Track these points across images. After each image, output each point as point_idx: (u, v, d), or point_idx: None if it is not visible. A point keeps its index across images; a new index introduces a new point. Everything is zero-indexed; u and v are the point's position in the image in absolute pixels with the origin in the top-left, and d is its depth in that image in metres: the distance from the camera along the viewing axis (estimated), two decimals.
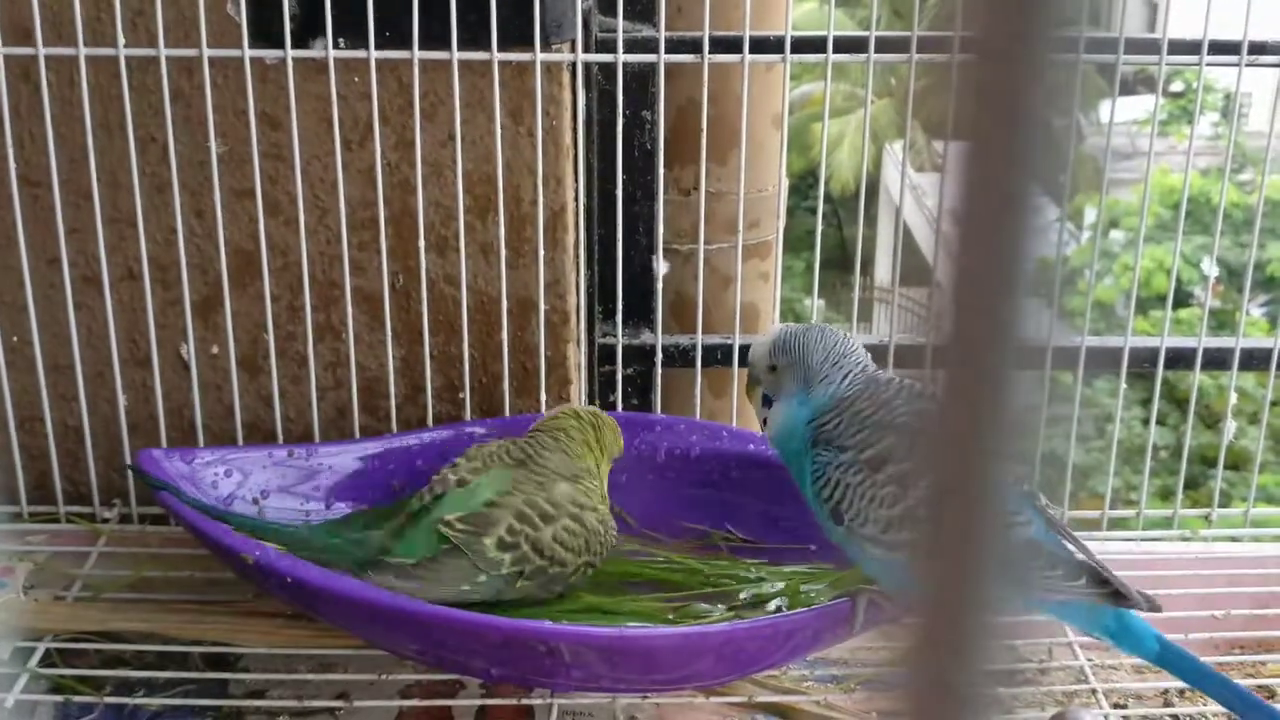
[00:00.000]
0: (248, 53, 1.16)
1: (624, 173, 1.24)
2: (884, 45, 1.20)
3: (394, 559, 1.03)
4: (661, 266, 1.28)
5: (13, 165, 1.19)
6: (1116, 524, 1.32)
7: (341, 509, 1.16)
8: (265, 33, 1.16)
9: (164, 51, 1.16)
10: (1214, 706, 1.08)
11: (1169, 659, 0.99)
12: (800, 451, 1.02)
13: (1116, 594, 0.95)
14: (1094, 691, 1.10)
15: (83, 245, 1.22)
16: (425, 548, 1.04)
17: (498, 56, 1.17)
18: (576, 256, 1.26)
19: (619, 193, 1.26)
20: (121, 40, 1.16)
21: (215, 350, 1.25)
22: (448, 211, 1.22)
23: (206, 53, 1.16)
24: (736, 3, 1.19)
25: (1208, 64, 1.21)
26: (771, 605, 1.09)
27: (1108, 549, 1.23)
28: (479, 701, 1.11)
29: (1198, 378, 1.34)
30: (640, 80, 1.24)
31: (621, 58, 1.20)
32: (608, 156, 1.25)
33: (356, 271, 1.23)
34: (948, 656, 0.32)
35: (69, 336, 1.23)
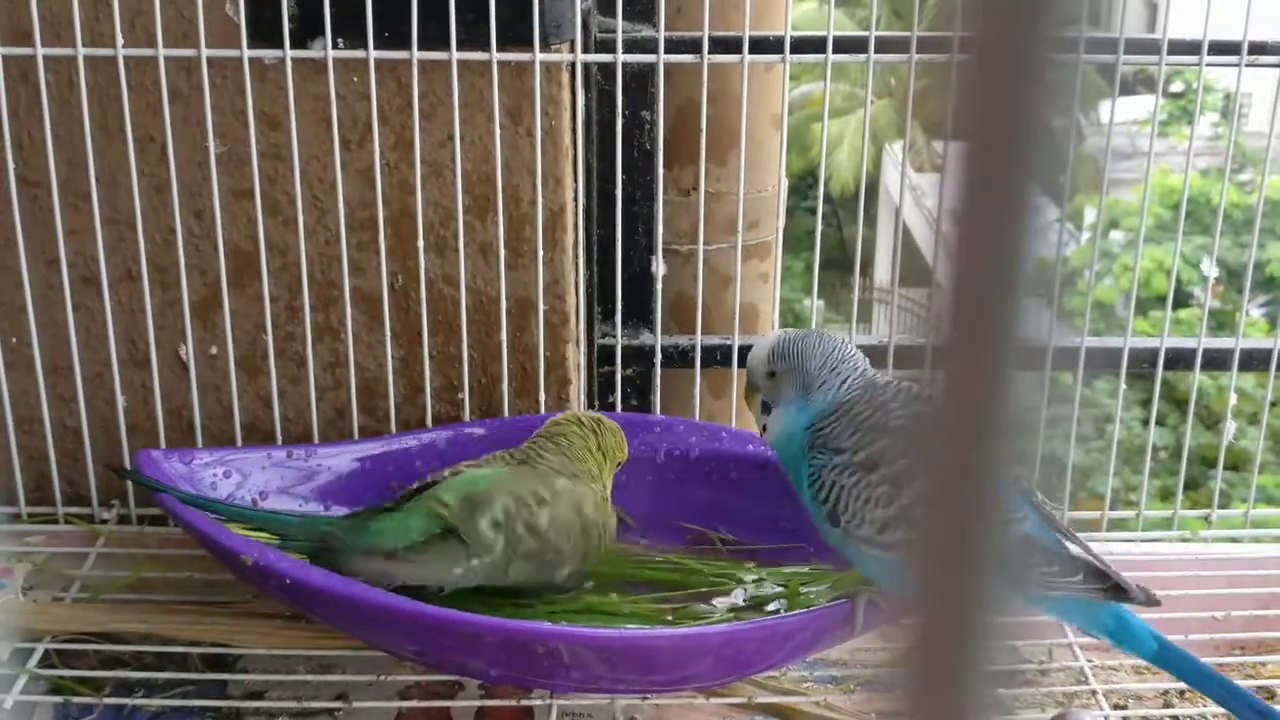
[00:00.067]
0: (246, 53, 1.16)
1: (623, 173, 1.24)
2: (884, 45, 1.20)
3: (386, 544, 1.03)
4: (660, 267, 1.28)
5: (11, 166, 1.19)
6: (1116, 525, 1.32)
7: (340, 510, 1.16)
8: (264, 33, 1.16)
9: (163, 52, 1.16)
10: (1214, 708, 1.08)
11: (1167, 658, 0.99)
12: (798, 455, 1.02)
13: (1115, 588, 0.95)
14: (1094, 692, 1.10)
15: (81, 246, 1.22)
16: (418, 531, 1.03)
17: (497, 57, 1.17)
18: (576, 257, 1.26)
19: (618, 193, 1.26)
20: (120, 40, 1.16)
21: (214, 351, 1.25)
22: (447, 212, 1.22)
23: (205, 53, 1.16)
24: (736, 3, 1.19)
25: (1208, 64, 1.21)
26: (770, 606, 1.09)
27: (1108, 550, 1.23)
28: (478, 702, 1.11)
29: (1197, 378, 1.34)
30: (640, 80, 1.24)
31: (621, 58, 1.20)
32: (607, 157, 1.25)
33: (355, 272, 1.23)
34: (947, 657, 0.32)
35: (68, 337, 1.23)
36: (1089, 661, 1.13)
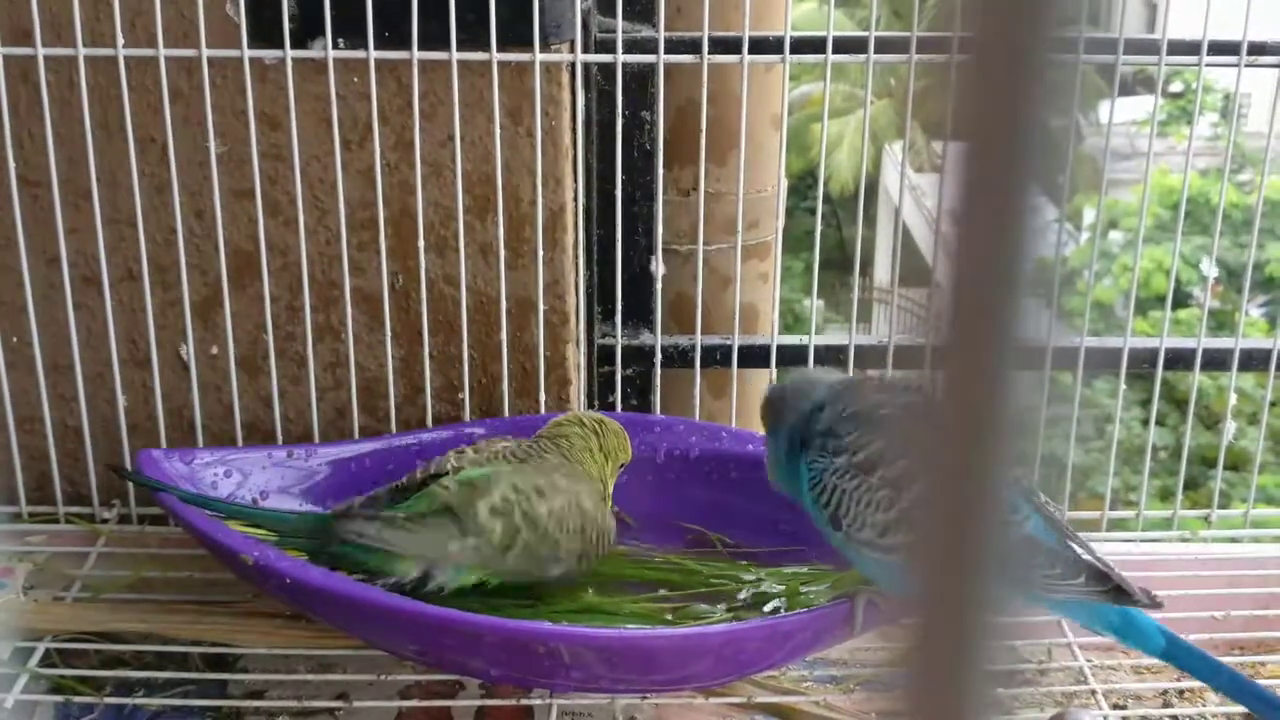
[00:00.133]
0: (247, 53, 1.16)
1: (623, 173, 1.24)
2: (884, 45, 1.20)
3: (385, 511, 1.03)
4: (660, 267, 1.28)
5: (12, 165, 1.19)
6: (1116, 525, 1.32)
7: None
8: (264, 33, 1.16)
9: (163, 52, 1.16)
10: (1214, 708, 1.08)
11: (1176, 654, 0.99)
12: (792, 473, 1.02)
13: (1118, 591, 0.95)
14: (1093, 692, 1.10)
15: (82, 245, 1.22)
16: (418, 508, 1.04)
17: (497, 57, 1.17)
18: (576, 257, 1.26)
19: (618, 193, 1.26)
20: (120, 40, 1.16)
21: (215, 351, 1.25)
22: (447, 212, 1.22)
23: (206, 53, 1.16)
24: (736, 3, 1.19)
25: (1207, 64, 1.21)
26: (770, 606, 1.09)
27: (1107, 550, 1.23)
28: (478, 702, 1.11)
29: (1197, 378, 1.34)
30: (639, 81, 1.24)
31: (621, 58, 1.20)
32: (607, 157, 1.25)
33: (356, 272, 1.23)
34: (947, 657, 0.32)
35: (68, 337, 1.23)
36: (1088, 661, 1.13)
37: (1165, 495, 3.64)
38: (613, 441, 1.12)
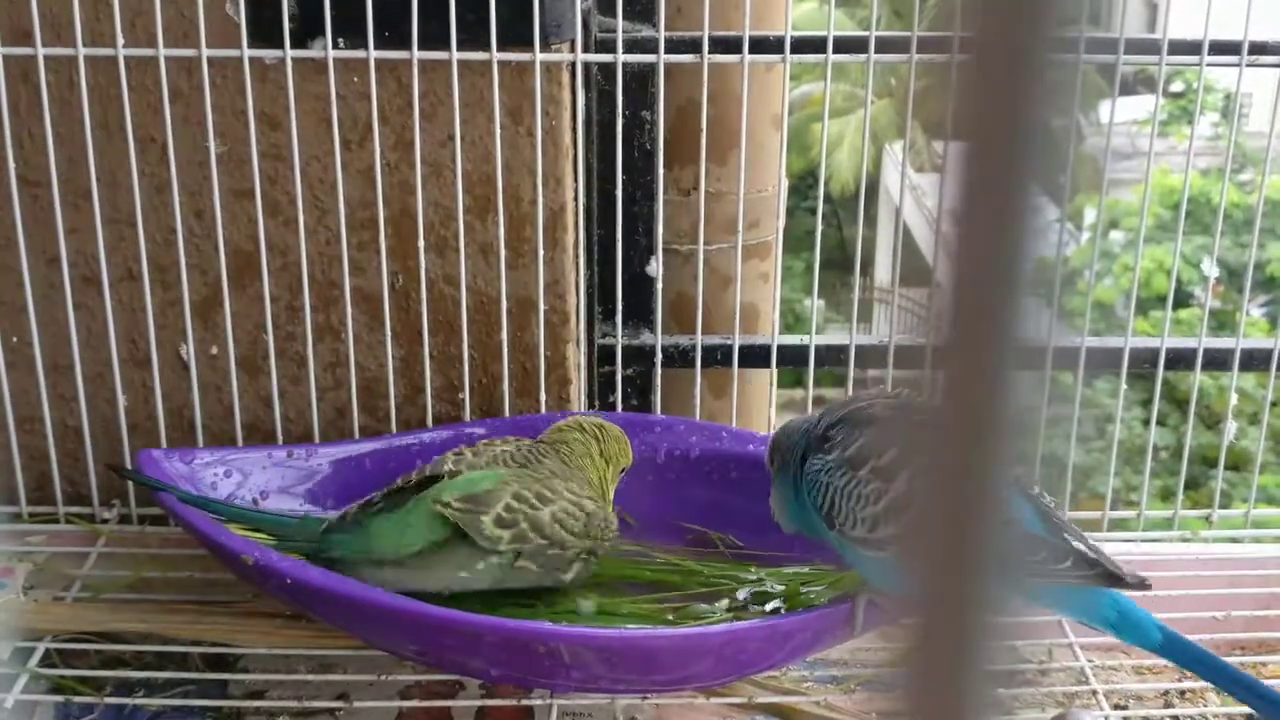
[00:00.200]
0: (247, 53, 1.16)
1: (623, 173, 1.24)
2: (884, 45, 1.20)
3: (390, 553, 1.03)
4: (660, 267, 1.28)
5: (12, 165, 1.19)
6: (1117, 525, 1.32)
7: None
8: (264, 33, 1.16)
9: (163, 51, 1.16)
10: (1215, 708, 1.08)
11: (1173, 650, 0.98)
12: (802, 505, 1.02)
13: (1107, 575, 0.94)
14: (1094, 692, 1.10)
15: (82, 245, 1.22)
16: (420, 536, 1.03)
17: (497, 57, 1.17)
18: (576, 257, 1.26)
19: (619, 193, 1.26)
20: (120, 40, 1.16)
21: (215, 351, 1.25)
22: (447, 212, 1.22)
23: (205, 53, 1.16)
24: (736, 3, 1.19)
25: (1208, 64, 1.21)
26: (770, 606, 1.09)
27: (1108, 550, 1.23)
28: (479, 702, 1.11)
29: (1198, 378, 1.34)
30: (640, 80, 1.24)
31: (621, 58, 1.20)
32: (607, 157, 1.25)
33: (356, 272, 1.23)
34: (947, 657, 0.32)
35: (68, 337, 1.23)
36: (1089, 661, 1.13)
37: (1166, 495, 3.64)
38: (613, 447, 1.12)
